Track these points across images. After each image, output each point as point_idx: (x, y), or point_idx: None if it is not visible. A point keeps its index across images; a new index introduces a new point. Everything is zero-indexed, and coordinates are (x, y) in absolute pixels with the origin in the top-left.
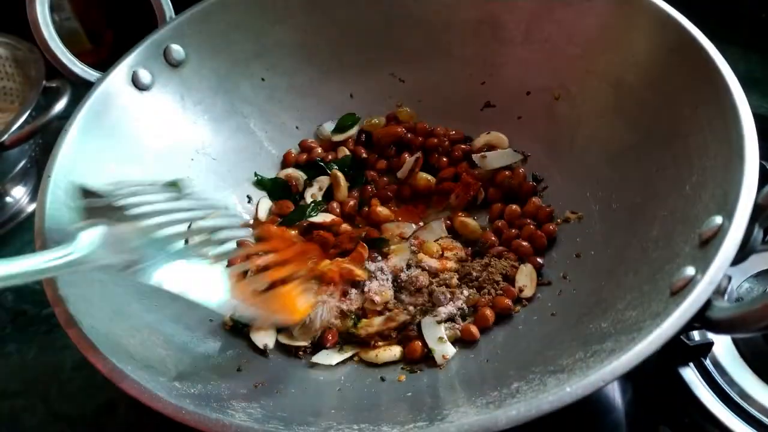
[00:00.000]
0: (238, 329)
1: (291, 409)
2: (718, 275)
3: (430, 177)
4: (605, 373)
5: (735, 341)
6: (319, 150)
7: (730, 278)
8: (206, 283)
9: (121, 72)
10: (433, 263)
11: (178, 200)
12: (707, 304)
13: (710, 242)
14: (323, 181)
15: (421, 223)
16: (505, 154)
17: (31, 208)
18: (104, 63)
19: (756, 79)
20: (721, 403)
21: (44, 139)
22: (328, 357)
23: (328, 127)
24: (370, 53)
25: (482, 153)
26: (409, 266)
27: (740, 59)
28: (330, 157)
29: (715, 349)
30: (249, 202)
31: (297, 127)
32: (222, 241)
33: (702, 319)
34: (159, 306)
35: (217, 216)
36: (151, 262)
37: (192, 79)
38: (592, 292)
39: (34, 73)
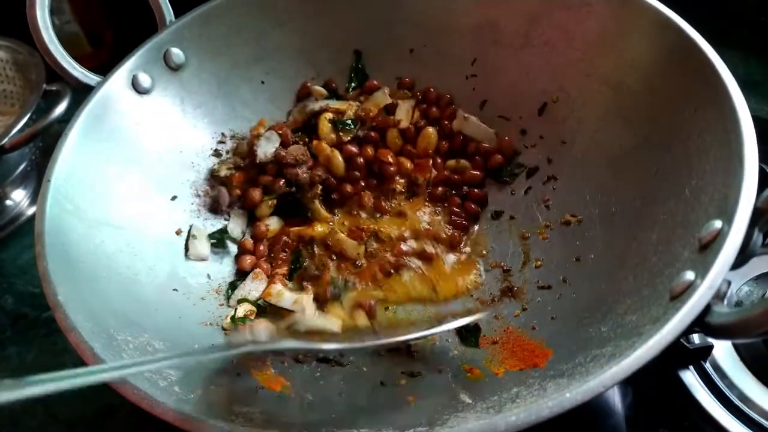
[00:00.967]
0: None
1: (292, 413)
2: (717, 280)
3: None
4: (605, 379)
5: (735, 345)
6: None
7: (729, 282)
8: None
9: (121, 76)
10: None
11: None
12: (707, 309)
13: (710, 246)
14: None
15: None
16: (483, 129)
17: (31, 211)
18: (104, 67)
19: (755, 82)
20: (721, 406)
21: (44, 143)
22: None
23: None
24: (369, 58)
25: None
26: None
27: (740, 62)
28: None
29: (715, 352)
30: None
31: None
32: None
33: (702, 324)
34: (159, 310)
35: None
36: None
37: (192, 82)
38: (591, 296)
39: (34, 77)
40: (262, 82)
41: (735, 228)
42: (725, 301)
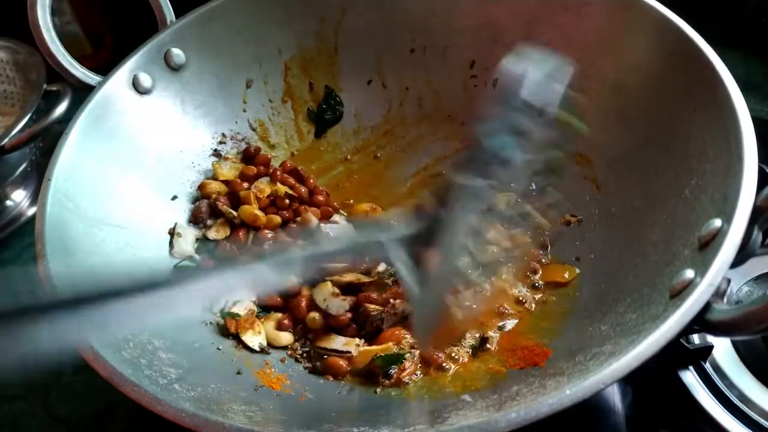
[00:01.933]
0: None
1: (291, 412)
2: (717, 278)
3: None
4: (605, 376)
5: (735, 345)
6: None
7: (729, 281)
8: None
9: (121, 76)
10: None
11: None
12: (706, 307)
13: (709, 245)
14: None
15: None
16: None
17: (31, 211)
18: (105, 67)
19: (756, 83)
20: (720, 406)
21: (45, 143)
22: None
23: None
24: (369, 58)
25: None
26: None
27: (740, 63)
28: None
29: (715, 352)
30: None
31: None
32: None
33: (701, 321)
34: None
35: None
36: None
37: (192, 83)
38: (591, 295)
39: (34, 77)
40: (264, 83)
41: (735, 226)
42: (725, 300)
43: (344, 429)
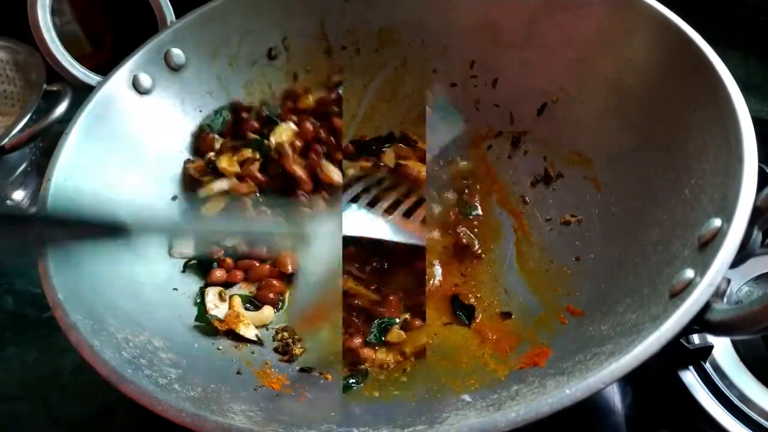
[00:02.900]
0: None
1: (291, 412)
2: (717, 277)
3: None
4: (604, 375)
5: (735, 345)
6: None
7: (729, 281)
8: None
9: (121, 76)
10: None
11: None
12: (706, 307)
13: (709, 245)
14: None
15: None
16: None
17: (31, 211)
18: (105, 67)
19: (755, 83)
20: (720, 406)
21: (45, 143)
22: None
23: None
24: (369, 58)
25: None
26: None
27: (739, 63)
28: None
29: (715, 352)
30: None
31: None
32: None
33: (701, 321)
34: (159, 310)
35: None
36: None
37: (193, 83)
38: (591, 296)
39: (34, 77)
40: (264, 83)
41: (734, 226)
42: (725, 300)
43: (344, 429)
